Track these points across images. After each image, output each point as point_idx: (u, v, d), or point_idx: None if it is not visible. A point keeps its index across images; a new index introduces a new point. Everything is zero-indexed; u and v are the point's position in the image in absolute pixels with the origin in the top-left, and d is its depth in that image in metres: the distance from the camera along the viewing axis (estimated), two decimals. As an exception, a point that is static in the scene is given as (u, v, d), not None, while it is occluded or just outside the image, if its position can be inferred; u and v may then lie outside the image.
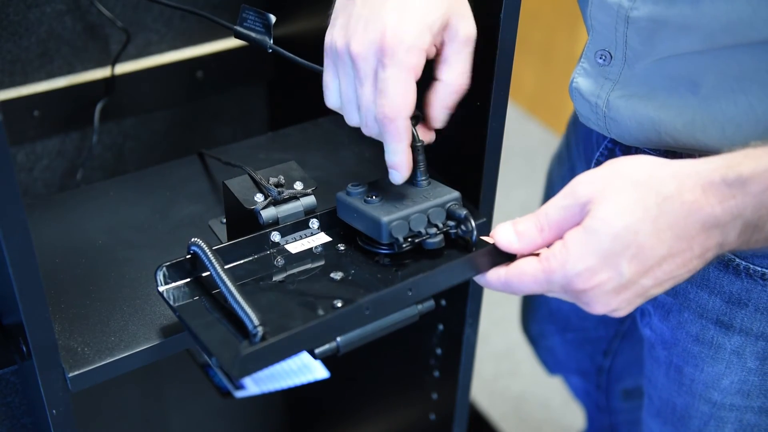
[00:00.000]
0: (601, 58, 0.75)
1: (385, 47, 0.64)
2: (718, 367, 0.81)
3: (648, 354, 0.90)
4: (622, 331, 1.14)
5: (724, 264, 0.76)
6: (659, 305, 0.83)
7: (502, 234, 0.64)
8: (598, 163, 0.84)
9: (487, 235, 0.67)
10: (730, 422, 0.84)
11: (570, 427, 1.73)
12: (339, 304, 0.63)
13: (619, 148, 0.82)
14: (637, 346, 1.14)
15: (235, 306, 0.61)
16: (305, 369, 0.93)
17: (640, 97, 0.75)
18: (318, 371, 0.94)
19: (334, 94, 0.70)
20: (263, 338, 0.59)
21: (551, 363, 1.27)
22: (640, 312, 0.89)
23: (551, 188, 1.11)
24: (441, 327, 0.92)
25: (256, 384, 0.97)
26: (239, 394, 1.01)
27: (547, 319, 1.19)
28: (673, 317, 0.82)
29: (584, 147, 0.98)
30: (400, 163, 0.68)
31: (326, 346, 0.62)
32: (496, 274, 0.65)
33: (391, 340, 0.67)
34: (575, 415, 1.74)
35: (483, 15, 0.72)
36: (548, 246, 0.63)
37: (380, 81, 0.65)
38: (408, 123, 0.67)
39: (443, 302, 0.89)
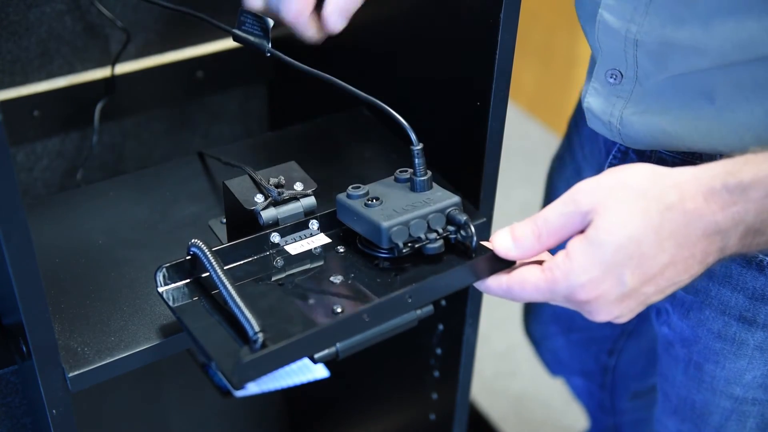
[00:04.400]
0: (611, 77, 0.76)
1: None
2: (740, 362, 0.81)
3: (664, 352, 0.90)
4: (627, 330, 1.14)
5: (747, 260, 0.76)
6: (678, 303, 0.83)
7: (500, 242, 0.64)
8: (612, 166, 0.84)
9: (487, 238, 0.67)
10: (752, 416, 0.84)
11: (570, 427, 1.73)
12: (339, 310, 0.63)
13: (633, 151, 0.83)
14: (643, 344, 1.14)
15: (235, 310, 0.61)
16: (305, 369, 0.93)
17: (654, 113, 0.75)
18: (318, 371, 0.94)
19: None
20: (263, 345, 0.59)
21: (554, 364, 1.27)
22: (656, 311, 0.89)
23: (553, 191, 1.11)
24: (441, 327, 0.92)
25: (256, 384, 0.97)
26: (239, 393, 1.01)
27: (551, 321, 1.19)
28: (693, 315, 0.82)
29: (590, 149, 0.98)
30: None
31: (325, 352, 0.62)
32: (498, 282, 0.65)
33: (391, 341, 0.67)
34: (575, 415, 1.74)
35: (483, 15, 0.72)
36: (546, 250, 0.64)
37: None
38: (308, 20, 0.74)
39: (443, 302, 0.89)
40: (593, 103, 0.79)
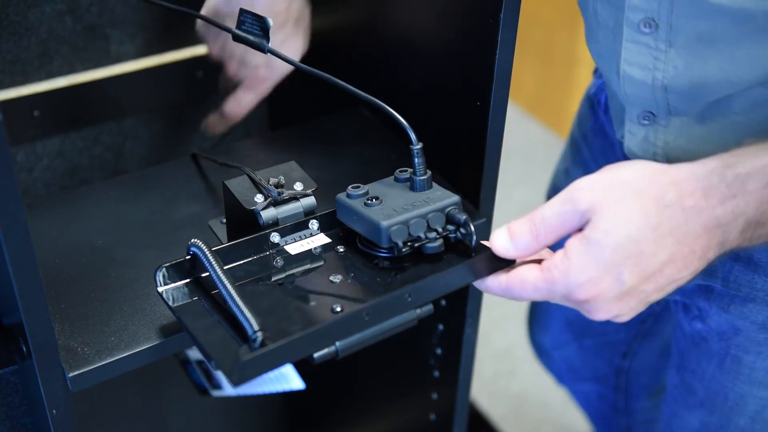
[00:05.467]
0: (644, 119, 0.77)
1: None
2: None
3: (693, 348, 0.90)
4: (643, 332, 1.13)
5: None
6: (717, 298, 0.84)
7: (498, 241, 0.64)
8: None
9: (487, 238, 0.67)
10: None
11: (570, 427, 1.73)
12: (338, 309, 0.63)
13: None
14: (657, 343, 1.14)
15: (235, 309, 0.61)
16: (282, 378, 0.93)
17: (696, 142, 0.76)
18: (294, 382, 0.95)
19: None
20: (263, 344, 0.59)
21: (565, 372, 1.26)
22: (683, 307, 0.89)
23: None
24: (441, 327, 0.92)
25: (233, 387, 0.97)
26: (216, 393, 1.02)
27: (564, 329, 1.19)
28: (734, 309, 0.83)
29: (607, 162, 0.98)
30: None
31: (325, 351, 0.62)
32: (497, 281, 0.65)
33: (390, 340, 0.67)
34: (575, 415, 1.74)
35: (483, 15, 0.72)
36: (545, 248, 0.64)
37: None
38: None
39: (443, 302, 0.89)
40: (633, 146, 0.80)
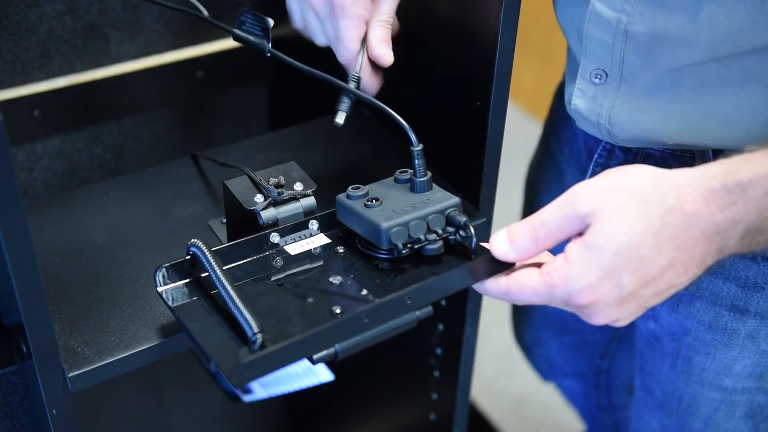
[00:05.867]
0: (596, 77, 0.76)
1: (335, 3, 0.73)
2: (731, 353, 0.82)
3: (648, 348, 0.90)
4: (618, 335, 1.14)
5: None
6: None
7: (497, 244, 0.64)
8: (598, 164, 0.84)
9: (487, 238, 0.67)
10: (740, 405, 0.85)
11: (570, 427, 1.73)
12: (338, 311, 0.63)
13: (619, 149, 0.83)
14: (634, 347, 1.14)
15: (234, 311, 0.61)
16: (310, 372, 0.93)
17: (642, 110, 0.75)
18: (322, 374, 0.94)
19: (297, 18, 0.79)
20: (262, 346, 0.59)
21: (547, 369, 1.27)
22: None
23: (536, 197, 1.10)
24: (441, 327, 0.92)
25: (263, 388, 0.97)
26: (247, 398, 1.01)
27: (543, 325, 1.19)
28: (683, 308, 0.83)
29: (570, 151, 0.98)
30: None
31: (324, 352, 0.62)
32: (496, 284, 0.65)
33: (391, 341, 0.67)
34: (575, 414, 1.74)
35: (483, 15, 0.72)
36: (544, 251, 0.64)
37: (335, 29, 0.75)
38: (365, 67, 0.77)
39: (443, 303, 0.89)
40: (580, 104, 0.79)
